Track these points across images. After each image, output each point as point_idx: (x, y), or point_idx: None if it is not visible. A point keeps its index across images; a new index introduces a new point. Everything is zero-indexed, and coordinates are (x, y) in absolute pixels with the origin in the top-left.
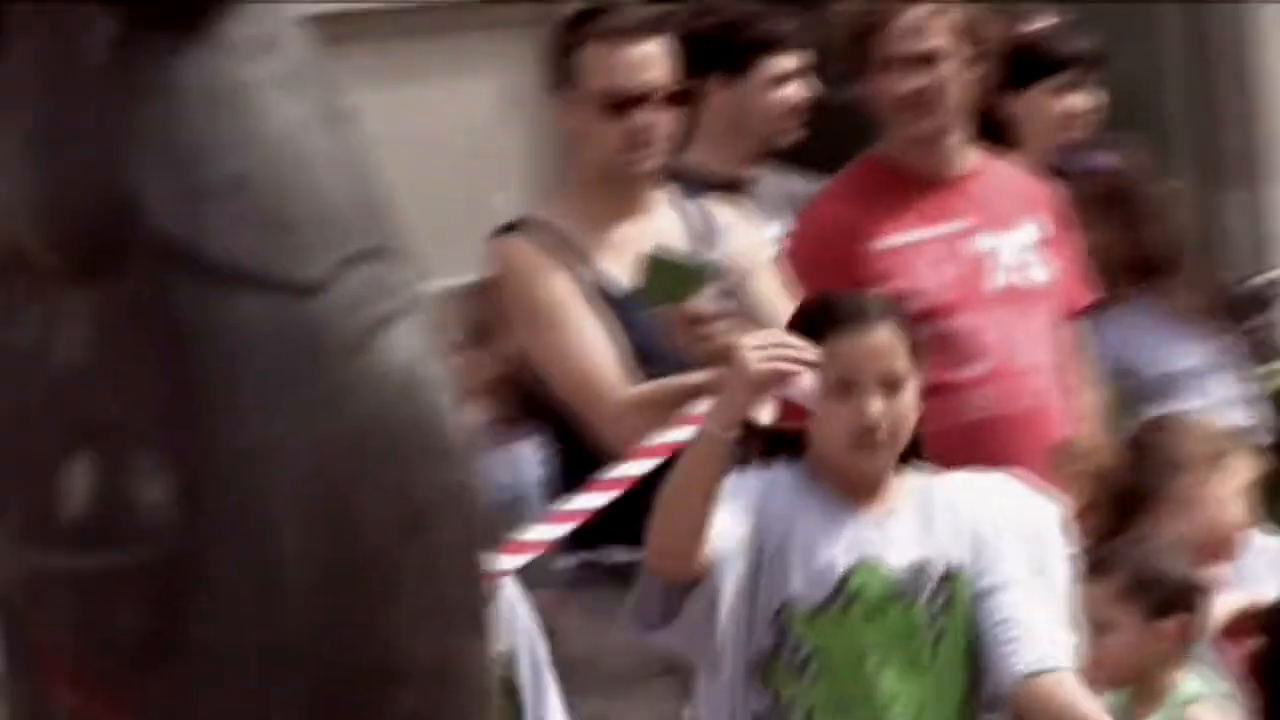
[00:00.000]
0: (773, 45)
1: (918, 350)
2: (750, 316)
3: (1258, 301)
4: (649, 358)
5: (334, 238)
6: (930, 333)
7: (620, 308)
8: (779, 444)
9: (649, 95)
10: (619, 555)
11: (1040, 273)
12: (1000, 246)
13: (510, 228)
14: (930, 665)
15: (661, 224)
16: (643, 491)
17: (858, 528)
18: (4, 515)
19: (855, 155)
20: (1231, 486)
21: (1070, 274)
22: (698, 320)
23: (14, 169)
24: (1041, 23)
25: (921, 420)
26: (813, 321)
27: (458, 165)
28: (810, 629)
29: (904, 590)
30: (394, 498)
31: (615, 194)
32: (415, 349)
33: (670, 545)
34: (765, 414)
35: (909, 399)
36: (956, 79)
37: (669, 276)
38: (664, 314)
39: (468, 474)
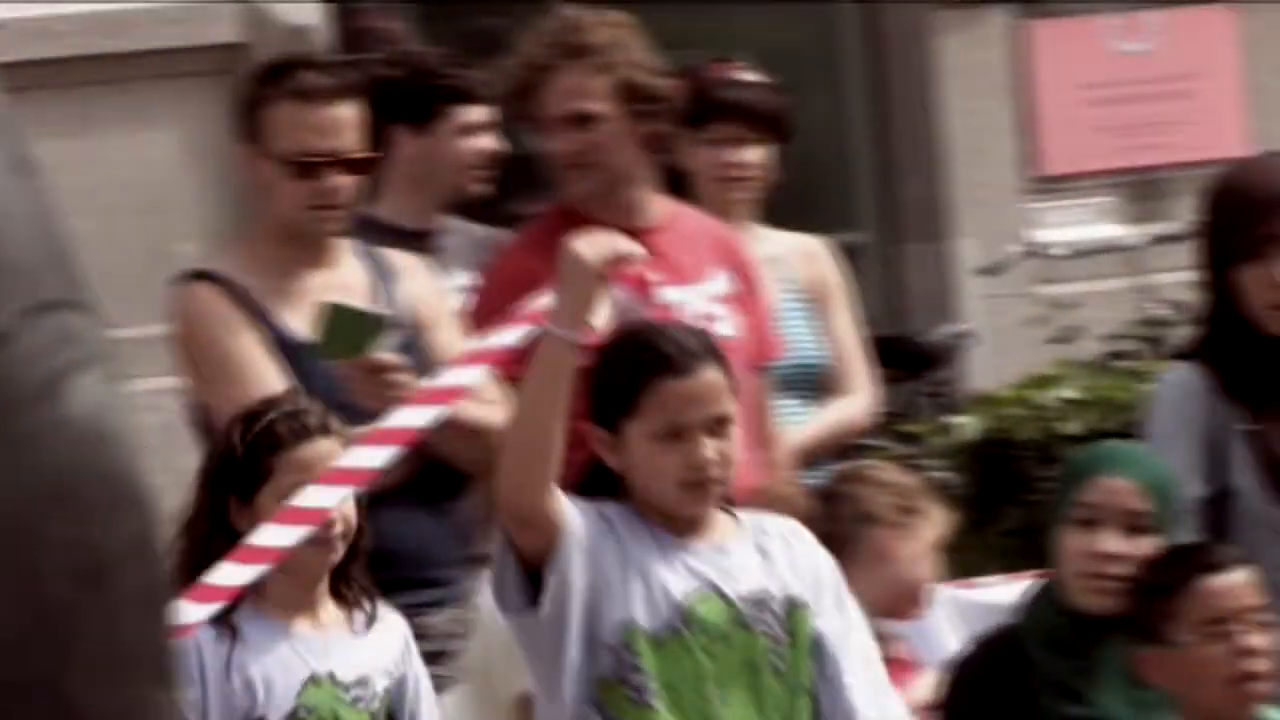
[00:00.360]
0: (461, 96)
1: (734, 386)
2: (429, 367)
3: (937, 354)
4: (329, 409)
5: (14, 288)
6: None
7: (300, 359)
8: (595, 486)
9: (337, 158)
10: None
11: (726, 326)
12: (687, 299)
13: (191, 276)
14: (771, 695)
15: (344, 276)
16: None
17: (695, 559)
18: None
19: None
20: (922, 541)
21: (758, 326)
22: (377, 370)
23: None
24: (722, 74)
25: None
26: (632, 363)
27: (140, 215)
28: (653, 656)
29: (746, 620)
30: (76, 549)
31: (298, 247)
32: (101, 399)
33: (522, 475)
34: (602, 316)
35: (735, 437)
36: (615, 139)
37: (347, 328)
38: (343, 365)
39: (152, 524)
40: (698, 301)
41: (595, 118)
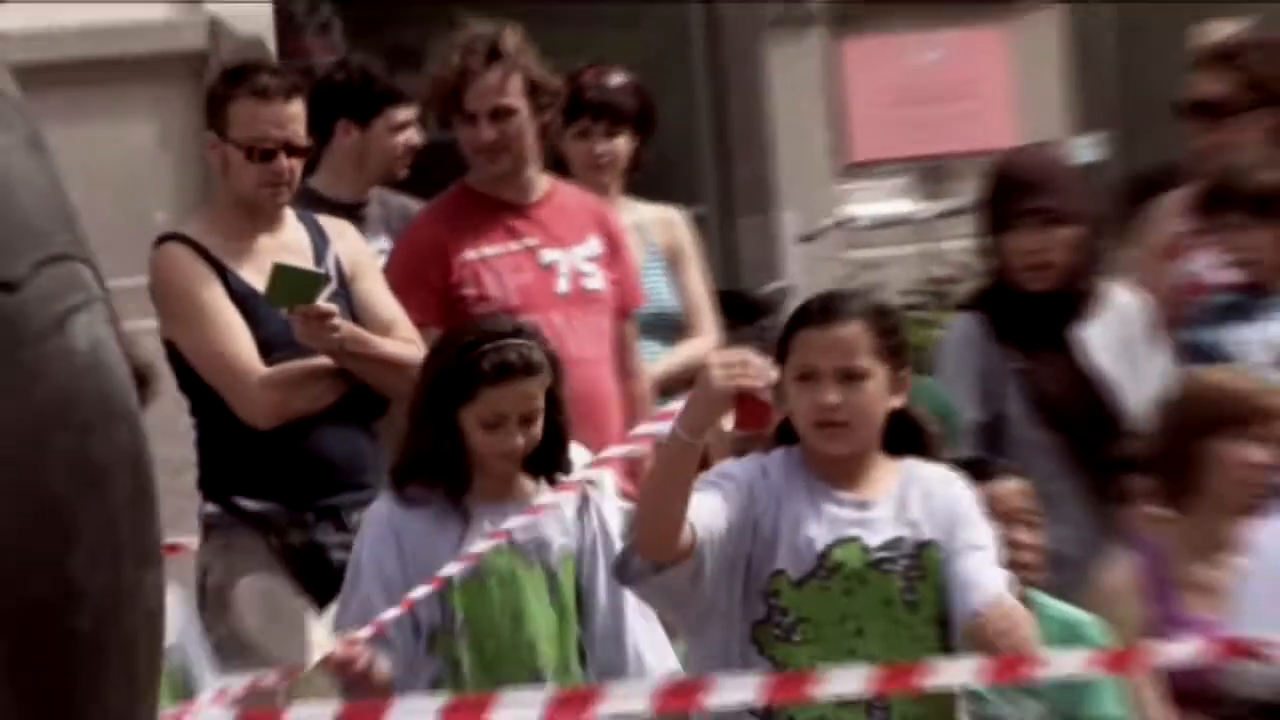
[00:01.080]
0: (396, 98)
1: (894, 349)
2: (357, 313)
3: (766, 306)
4: (275, 347)
5: (31, 243)
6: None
7: (252, 306)
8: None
9: (286, 146)
10: (248, 504)
11: (597, 281)
12: (562, 260)
13: (165, 239)
14: (906, 625)
15: (288, 238)
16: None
17: (839, 508)
18: None
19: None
20: None
21: (623, 281)
22: (316, 317)
23: None
24: (594, 77)
25: None
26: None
27: (121, 190)
28: (796, 598)
29: (880, 563)
30: (76, 459)
31: (251, 216)
32: (98, 334)
33: (652, 537)
34: (727, 423)
35: (871, 391)
36: (526, 128)
37: (293, 283)
38: (289, 313)
39: (141, 437)
40: (575, 261)
41: (512, 111)
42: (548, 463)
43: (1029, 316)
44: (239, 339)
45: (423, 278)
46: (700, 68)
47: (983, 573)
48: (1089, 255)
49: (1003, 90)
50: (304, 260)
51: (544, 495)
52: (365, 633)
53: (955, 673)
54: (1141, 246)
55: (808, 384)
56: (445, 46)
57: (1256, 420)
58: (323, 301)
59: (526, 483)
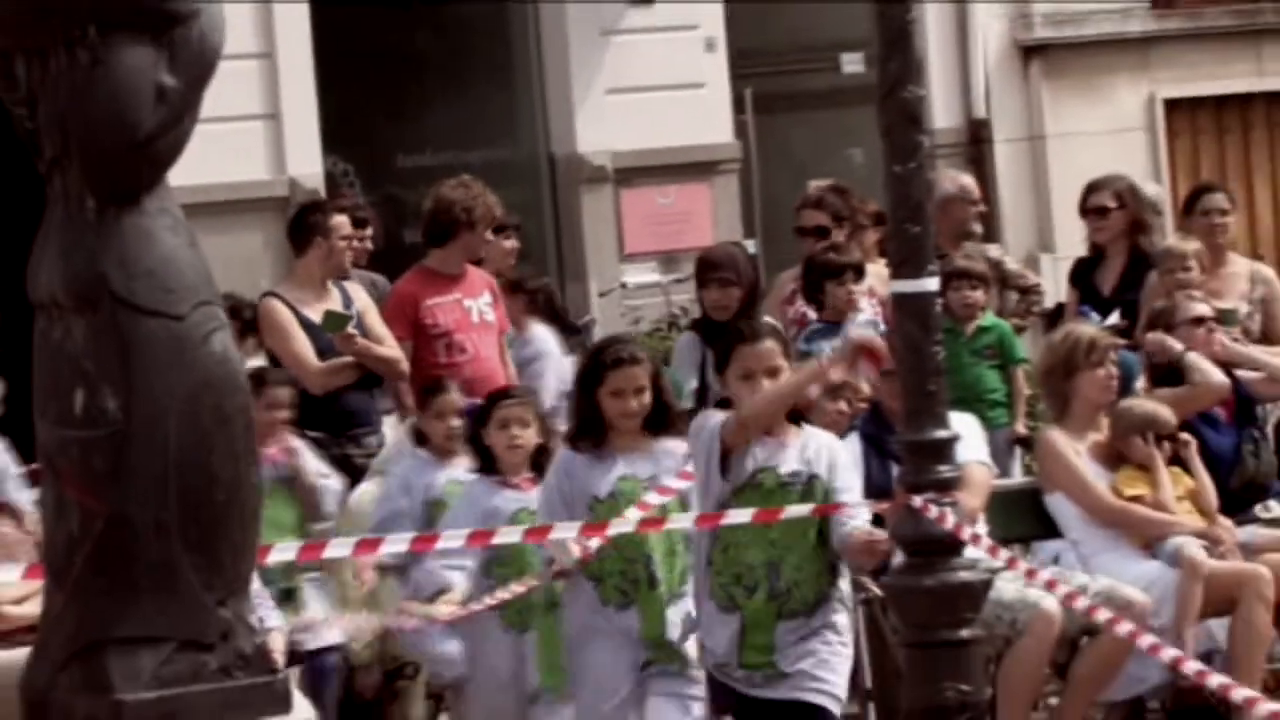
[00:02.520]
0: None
1: (788, 353)
2: (367, 333)
3: (582, 328)
4: (324, 352)
5: (190, 295)
6: (448, 343)
7: (313, 332)
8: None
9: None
10: (311, 434)
11: (490, 316)
12: (473, 305)
13: (265, 294)
14: (799, 525)
15: (332, 295)
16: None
17: (762, 449)
18: (46, 413)
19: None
20: None
21: (500, 317)
22: (346, 337)
23: (51, 267)
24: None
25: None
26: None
27: (242, 270)
28: (738, 499)
29: (785, 484)
30: (214, 414)
31: (313, 283)
32: (226, 344)
33: (756, 423)
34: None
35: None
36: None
37: (334, 319)
38: (336, 336)
39: (248, 399)
40: (480, 305)
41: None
42: (658, 423)
43: (718, 333)
44: (305, 348)
45: (402, 314)
46: (547, 206)
47: (848, 509)
48: (749, 302)
49: (707, 216)
50: (339, 307)
51: (659, 445)
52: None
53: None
54: (773, 297)
55: (748, 381)
56: (450, 196)
57: (1094, 355)
58: (350, 328)
59: (647, 438)
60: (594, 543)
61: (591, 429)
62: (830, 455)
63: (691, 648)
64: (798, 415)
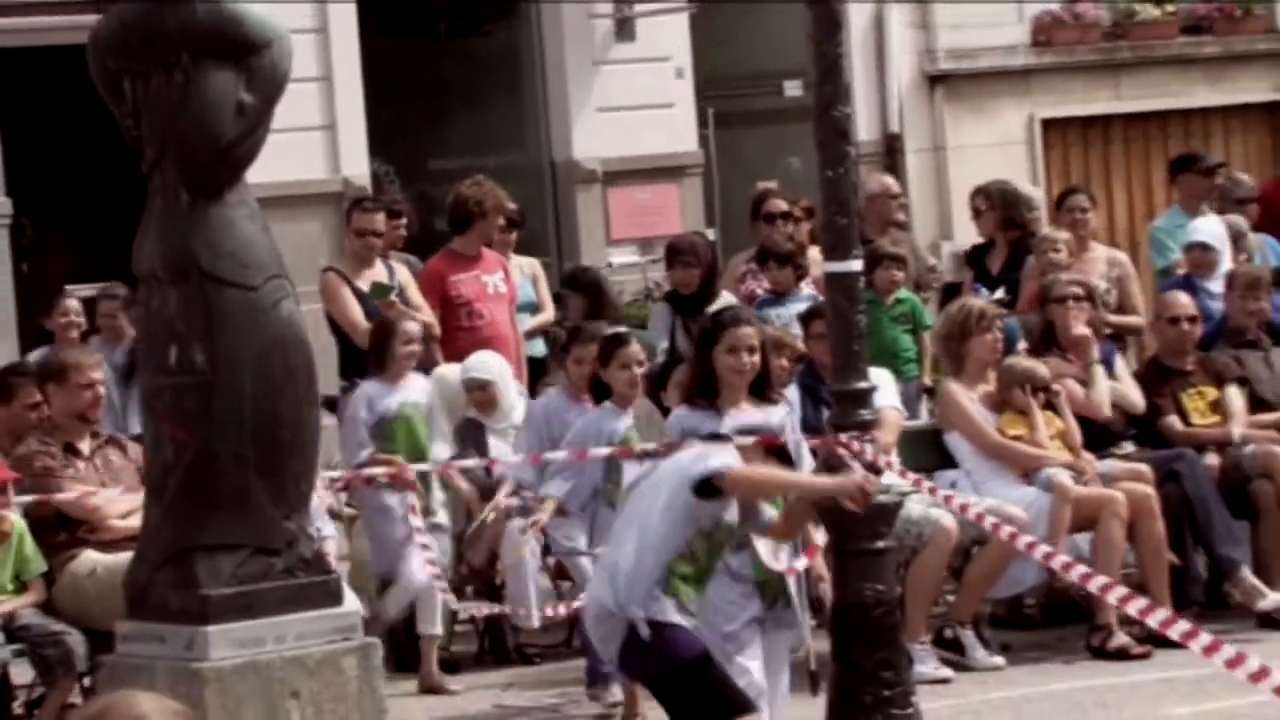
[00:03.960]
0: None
1: (763, 335)
2: (406, 301)
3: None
4: (370, 316)
5: (261, 270)
6: (469, 311)
7: (362, 299)
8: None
9: (374, 232)
10: (357, 379)
11: (503, 288)
12: (489, 280)
13: (326, 269)
14: None
15: (378, 269)
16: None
17: (739, 413)
18: (148, 366)
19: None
20: None
21: (511, 288)
22: (389, 304)
23: (152, 248)
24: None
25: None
26: (717, 322)
27: (306, 250)
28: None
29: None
30: (281, 367)
31: (361, 261)
32: (291, 311)
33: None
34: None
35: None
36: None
37: (380, 289)
38: (380, 303)
39: (310, 356)
40: (494, 280)
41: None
42: (760, 387)
43: (685, 304)
44: (356, 312)
45: (433, 288)
46: (549, 202)
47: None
48: (708, 279)
49: (676, 210)
50: (384, 279)
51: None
52: None
53: None
54: (728, 275)
55: (733, 354)
56: (466, 193)
57: (984, 323)
58: (392, 296)
59: (751, 399)
60: None
61: (705, 388)
62: (782, 417)
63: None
64: (761, 387)
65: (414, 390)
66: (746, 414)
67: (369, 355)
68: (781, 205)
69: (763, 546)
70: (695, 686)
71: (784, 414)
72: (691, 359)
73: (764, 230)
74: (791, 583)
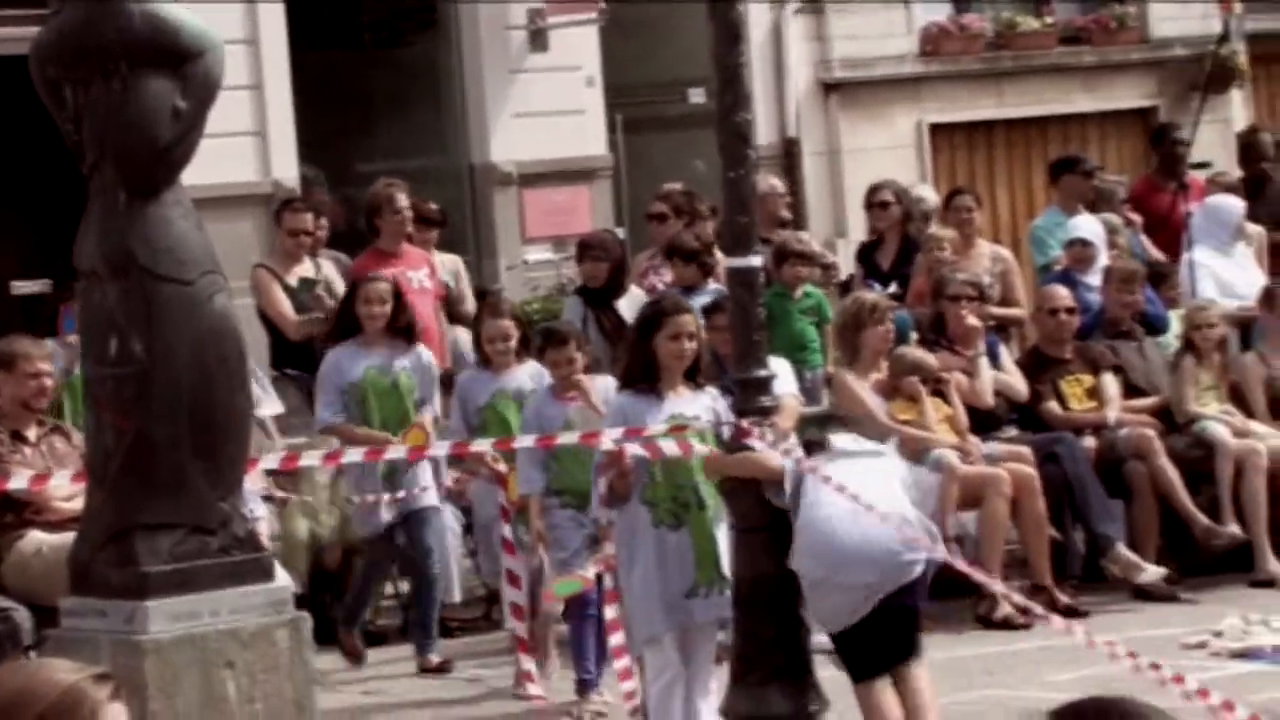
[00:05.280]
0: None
1: (697, 325)
2: (334, 297)
3: (492, 294)
4: (300, 310)
5: (197, 266)
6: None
7: (291, 293)
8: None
9: (305, 232)
10: (289, 370)
11: (428, 283)
12: (414, 275)
13: (257, 265)
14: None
15: (307, 266)
16: (297, 349)
17: (677, 397)
18: (89, 356)
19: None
20: None
21: (436, 284)
22: (317, 298)
23: (92, 245)
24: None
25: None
26: (658, 310)
27: (238, 247)
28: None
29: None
30: (216, 357)
31: (291, 258)
32: (225, 305)
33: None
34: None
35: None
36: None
37: (309, 283)
38: (308, 296)
39: (243, 352)
40: (419, 275)
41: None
42: (693, 373)
43: (595, 297)
44: (285, 306)
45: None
46: (468, 202)
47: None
48: (616, 273)
49: (587, 210)
50: (311, 275)
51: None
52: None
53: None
54: (633, 272)
55: (675, 341)
56: (373, 193)
57: (876, 315)
58: (320, 291)
59: (688, 384)
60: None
61: (645, 373)
62: (714, 401)
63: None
64: (694, 373)
65: (380, 356)
66: (684, 398)
67: (338, 320)
68: (660, 209)
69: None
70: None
71: (715, 396)
72: (630, 345)
73: (657, 231)
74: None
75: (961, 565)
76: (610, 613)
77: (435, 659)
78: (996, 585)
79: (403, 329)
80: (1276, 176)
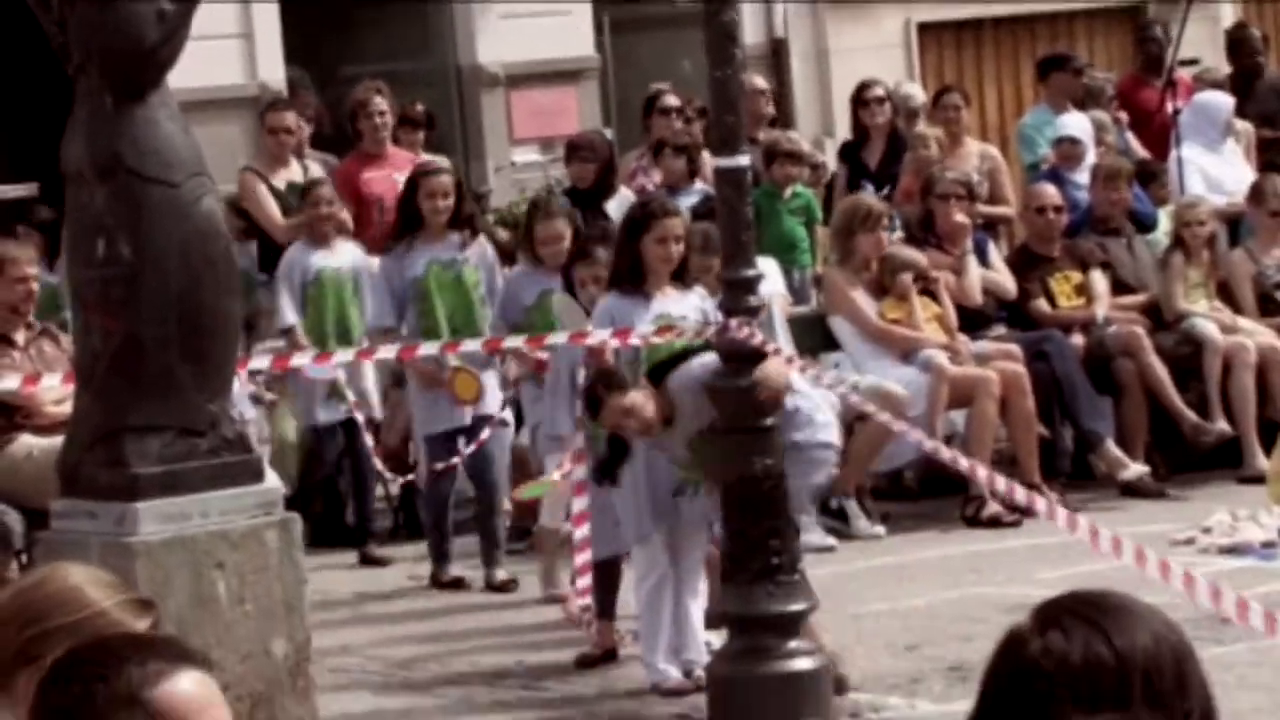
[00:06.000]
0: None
1: (688, 229)
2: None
3: (483, 195)
4: (287, 213)
5: (184, 168)
6: (381, 206)
7: (279, 195)
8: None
9: (288, 130)
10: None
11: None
12: (400, 176)
13: (244, 169)
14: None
15: (295, 169)
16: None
17: (665, 298)
18: (76, 259)
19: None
20: None
21: None
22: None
23: (79, 147)
24: (413, 108)
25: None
26: (646, 212)
27: (225, 150)
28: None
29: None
30: (203, 258)
31: (277, 160)
32: (212, 206)
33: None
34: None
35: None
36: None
37: (296, 188)
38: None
39: (230, 247)
40: (404, 177)
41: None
42: (680, 274)
43: (583, 198)
44: (272, 208)
45: (346, 185)
46: (455, 104)
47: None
48: (604, 173)
49: (574, 111)
50: (300, 178)
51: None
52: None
53: None
54: (621, 172)
55: (662, 244)
56: (354, 97)
57: (870, 221)
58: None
59: (675, 285)
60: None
61: (632, 274)
62: (703, 301)
63: None
64: (681, 273)
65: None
66: (671, 299)
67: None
68: (674, 101)
69: None
70: None
71: (704, 296)
72: (618, 247)
73: (658, 124)
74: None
75: (964, 464)
76: (579, 533)
77: (501, 574)
78: (999, 482)
79: (466, 220)
80: (1265, 72)
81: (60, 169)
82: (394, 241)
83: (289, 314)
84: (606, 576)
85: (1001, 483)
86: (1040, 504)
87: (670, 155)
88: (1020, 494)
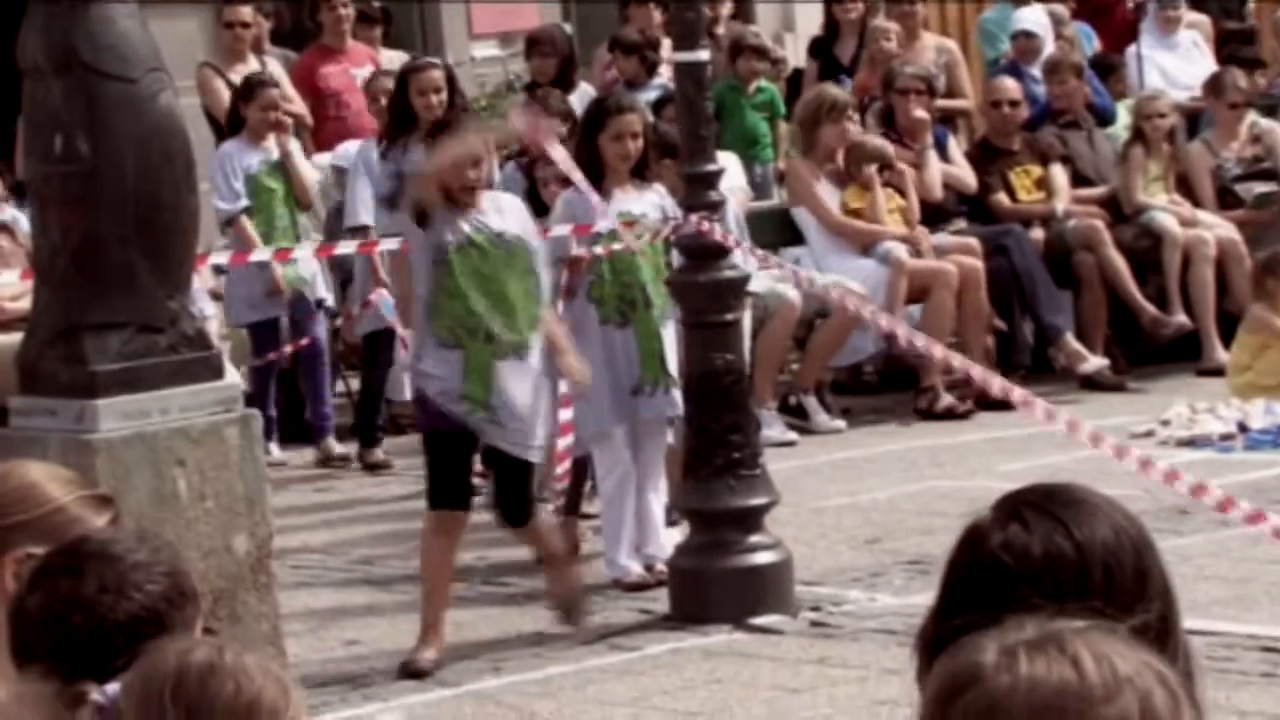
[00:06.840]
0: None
1: (645, 122)
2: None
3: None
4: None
5: (142, 64)
6: (337, 101)
7: (234, 90)
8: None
9: (244, 24)
10: None
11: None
12: (358, 72)
13: (202, 64)
14: (518, 274)
15: (253, 64)
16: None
17: (624, 193)
18: (34, 154)
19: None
20: None
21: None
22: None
23: (35, 42)
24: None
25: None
26: (602, 109)
27: (181, 44)
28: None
29: (496, 242)
30: (161, 154)
31: (234, 56)
32: (170, 102)
33: None
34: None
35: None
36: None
37: (260, 80)
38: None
39: (187, 144)
40: (363, 73)
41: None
42: (640, 170)
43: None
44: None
45: (304, 81)
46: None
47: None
48: (564, 68)
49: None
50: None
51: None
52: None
53: None
54: (596, 64)
55: (618, 141)
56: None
57: (834, 113)
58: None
59: (636, 182)
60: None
61: (591, 171)
62: (662, 198)
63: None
64: (641, 170)
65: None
66: (631, 196)
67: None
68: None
69: None
70: None
71: (663, 194)
72: (576, 144)
73: (636, 14)
74: None
75: (957, 361)
76: (563, 415)
77: (380, 454)
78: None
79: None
80: None
81: (16, 63)
82: (388, 142)
83: (239, 202)
84: (573, 475)
85: (978, 372)
86: (1017, 394)
87: (621, 56)
88: (997, 385)
